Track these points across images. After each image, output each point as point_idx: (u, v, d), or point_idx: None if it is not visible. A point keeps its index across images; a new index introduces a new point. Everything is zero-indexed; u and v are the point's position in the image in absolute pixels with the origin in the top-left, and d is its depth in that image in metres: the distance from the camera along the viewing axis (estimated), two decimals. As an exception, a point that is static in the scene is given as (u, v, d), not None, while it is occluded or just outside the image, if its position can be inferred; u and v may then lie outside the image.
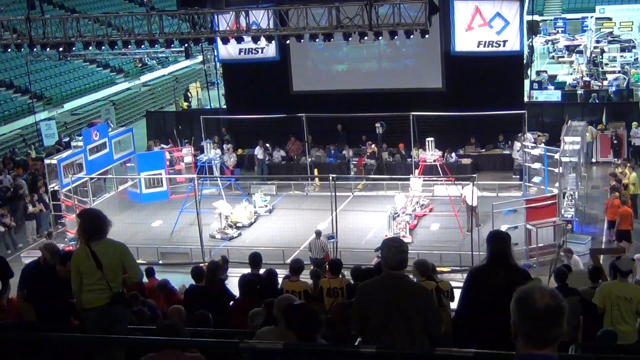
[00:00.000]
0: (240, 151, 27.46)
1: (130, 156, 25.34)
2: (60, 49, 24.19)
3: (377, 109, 24.38)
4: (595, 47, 38.60)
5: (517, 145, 23.70)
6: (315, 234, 17.80)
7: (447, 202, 21.14)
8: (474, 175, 21.12)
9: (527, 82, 29.92)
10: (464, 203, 20.20)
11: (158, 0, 46.73)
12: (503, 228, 17.77)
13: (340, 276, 10.97)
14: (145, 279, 11.70)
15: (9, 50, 24.47)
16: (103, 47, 23.23)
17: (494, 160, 25.48)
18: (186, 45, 28.03)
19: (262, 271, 10.50)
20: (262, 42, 22.70)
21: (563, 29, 46.15)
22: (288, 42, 22.84)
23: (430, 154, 22.36)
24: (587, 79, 33.12)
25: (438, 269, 11.47)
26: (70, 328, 7.26)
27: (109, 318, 6.58)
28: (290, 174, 26.00)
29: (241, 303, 9.36)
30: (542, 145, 23.05)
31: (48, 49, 24.10)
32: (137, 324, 7.96)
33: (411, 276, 8.73)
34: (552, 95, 30.26)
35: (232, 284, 10.80)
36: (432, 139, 22.49)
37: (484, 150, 25.75)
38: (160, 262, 18.91)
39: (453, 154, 24.97)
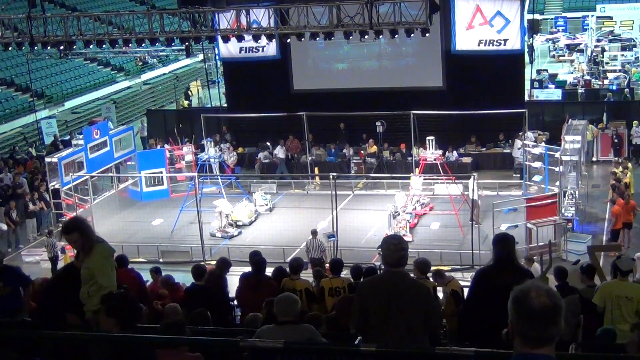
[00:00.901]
0: (240, 149, 27.45)
1: (130, 154, 25.35)
2: (61, 47, 24.18)
3: (377, 107, 24.40)
4: (595, 46, 38.53)
5: (518, 143, 23.68)
6: (312, 234, 17.80)
7: (448, 200, 21.13)
8: (474, 173, 21.12)
9: (527, 80, 29.89)
10: (466, 200, 20.21)
11: (159, -2, 46.76)
12: (503, 226, 17.82)
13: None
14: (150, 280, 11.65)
15: (10, 48, 24.52)
16: (104, 46, 23.33)
17: (495, 159, 25.46)
18: (187, 43, 28.07)
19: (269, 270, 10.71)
20: (263, 40, 22.69)
21: (564, 27, 46.12)
22: (289, 40, 22.83)
23: (431, 153, 22.34)
24: (588, 77, 33.09)
25: (439, 267, 11.44)
26: (69, 326, 7.23)
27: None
28: (291, 172, 26.03)
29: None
30: (543, 144, 23.05)
31: (49, 48, 24.11)
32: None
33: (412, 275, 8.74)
34: (553, 94, 30.23)
35: (232, 284, 10.81)
36: (432, 137, 22.48)
37: (484, 149, 25.74)
38: (161, 260, 18.90)
39: (454, 153, 24.95)
